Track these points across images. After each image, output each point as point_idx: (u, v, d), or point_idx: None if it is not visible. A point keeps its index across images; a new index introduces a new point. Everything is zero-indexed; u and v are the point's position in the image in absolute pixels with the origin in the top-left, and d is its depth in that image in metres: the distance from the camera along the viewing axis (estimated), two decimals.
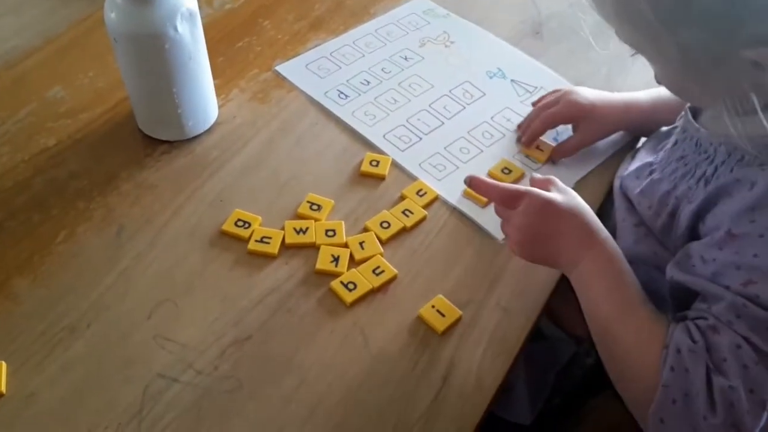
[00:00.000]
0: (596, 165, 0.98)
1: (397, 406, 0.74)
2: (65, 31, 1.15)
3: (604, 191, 0.95)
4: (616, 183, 0.89)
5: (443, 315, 0.80)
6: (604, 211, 0.91)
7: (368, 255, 0.86)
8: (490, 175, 0.96)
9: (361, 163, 0.97)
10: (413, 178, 0.96)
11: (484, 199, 0.91)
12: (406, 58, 1.14)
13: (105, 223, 0.89)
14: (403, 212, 0.90)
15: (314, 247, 0.87)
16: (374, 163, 0.96)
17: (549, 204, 0.76)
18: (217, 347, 0.77)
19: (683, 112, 0.82)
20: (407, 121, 1.03)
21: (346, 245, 0.87)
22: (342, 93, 1.07)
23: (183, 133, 0.98)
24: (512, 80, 1.11)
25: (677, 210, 0.77)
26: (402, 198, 0.93)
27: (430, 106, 1.06)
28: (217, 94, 1.02)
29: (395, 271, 0.84)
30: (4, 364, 0.74)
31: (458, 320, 0.81)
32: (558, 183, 0.80)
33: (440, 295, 0.82)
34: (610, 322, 0.73)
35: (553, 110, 0.98)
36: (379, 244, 0.87)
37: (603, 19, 0.71)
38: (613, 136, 1.00)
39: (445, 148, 1.00)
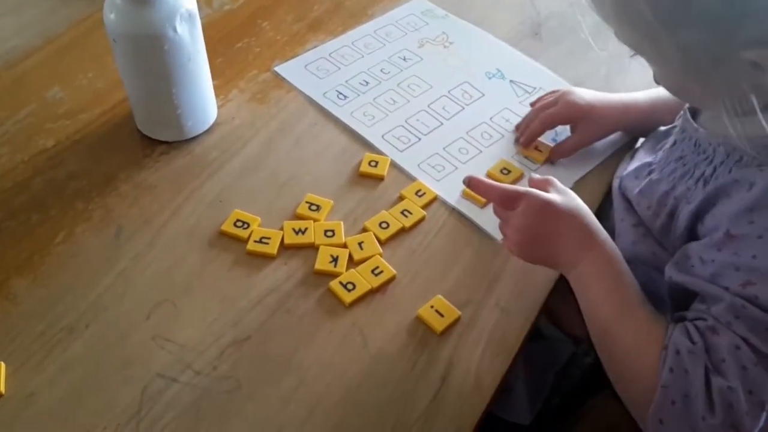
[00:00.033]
0: (595, 165, 0.98)
1: (396, 406, 0.74)
2: (65, 32, 1.15)
3: (602, 192, 0.95)
4: (615, 183, 0.89)
5: (442, 315, 0.81)
6: (602, 211, 0.91)
7: (367, 255, 0.86)
8: (489, 175, 0.96)
9: (360, 163, 0.97)
10: (412, 179, 0.96)
11: (483, 200, 0.91)
12: (404, 59, 1.14)
13: (104, 224, 0.89)
14: (402, 212, 0.91)
15: (313, 248, 0.87)
16: (373, 163, 0.96)
17: (548, 205, 0.76)
18: (216, 347, 0.78)
19: (682, 112, 0.82)
20: (406, 121, 1.04)
21: (345, 245, 0.87)
22: (341, 94, 1.07)
23: (182, 134, 0.98)
24: (511, 81, 1.11)
25: (676, 210, 0.77)
26: (401, 198, 0.93)
27: (428, 106, 1.06)
28: (216, 95, 1.02)
29: (394, 271, 0.84)
30: (3, 364, 0.74)
31: (457, 320, 0.81)
32: (557, 184, 0.80)
33: (439, 296, 0.82)
34: (609, 323, 0.73)
35: (551, 111, 0.98)
36: (378, 244, 0.87)
37: (602, 20, 0.71)
38: (612, 137, 1.00)
39: (444, 148, 1.00)
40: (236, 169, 0.96)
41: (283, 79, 1.09)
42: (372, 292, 0.83)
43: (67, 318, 0.79)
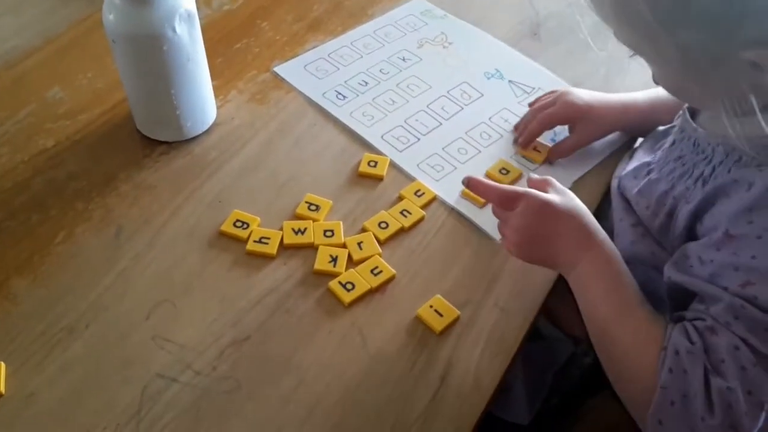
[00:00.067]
0: (593, 165, 0.98)
1: (395, 406, 0.74)
2: (65, 32, 1.15)
3: (601, 192, 0.95)
4: (614, 183, 0.89)
5: (441, 315, 0.81)
6: (601, 211, 0.91)
7: (366, 255, 0.86)
8: (488, 175, 0.96)
9: (359, 163, 0.97)
10: (411, 179, 0.96)
11: (482, 200, 0.91)
12: (404, 59, 1.14)
13: (103, 224, 0.89)
14: (401, 212, 0.91)
15: (312, 248, 0.87)
16: (372, 163, 0.96)
17: (547, 205, 0.76)
18: (216, 348, 0.78)
19: (681, 112, 0.82)
20: (405, 121, 1.04)
21: (344, 245, 0.87)
22: (340, 94, 1.07)
23: (181, 134, 0.98)
24: (510, 81, 1.11)
25: (675, 210, 0.77)
26: (400, 198, 0.93)
27: (428, 106, 1.06)
28: (216, 95, 1.02)
29: (393, 271, 0.85)
30: (3, 364, 0.74)
31: (456, 320, 0.81)
32: (555, 184, 0.80)
33: (438, 295, 0.82)
34: (608, 324, 0.73)
35: (549, 111, 0.98)
36: (377, 244, 0.87)
37: (602, 20, 0.71)
38: (610, 136, 1.00)
39: (443, 148, 1.00)
40: (236, 170, 0.96)
41: (283, 79, 1.09)
42: (371, 292, 0.83)
43: (67, 318, 0.79)
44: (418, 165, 0.97)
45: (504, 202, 0.80)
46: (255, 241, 0.86)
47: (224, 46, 1.14)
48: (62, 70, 1.09)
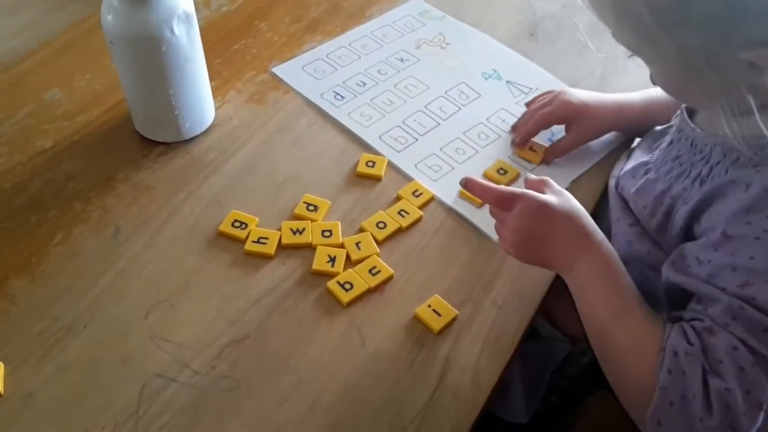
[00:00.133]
0: (591, 165, 0.98)
1: (394, 405, 0.74)
2: (63, 33, 1.15)
3: (598, 192, 0.95)
4: (612, 183, 0.90)
5: (439, 314, 0.81)
6: (598, 211, 0.91)
7: (364, 255, 0.86)
8: (486, 175, 0.96)
9: (357, 164, 0.97)
10: (409, 179, 0.96)
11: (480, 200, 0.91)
12: (402, 60, 1.14)
13: (102, 224, 0.89)
14: (399, 213, 0.91)
15: (311, 248, 0.87)
16: (370, 163, 0.97)
17: (544, 206, 0.76)
18: (215, 347, 0.78)
19: (679, 112, 0.82)
20: (403, 122, 1.04)
21: (342, 245, 0.87)
22: (338, 94, 1.07)
23: (180, 135, 0.98)
24: (507, 81, 1.11)
25: (672, 210, 0.77)
26: (398, 198, 0.93)
27: (425, 107, 1.06)
28: (214, 96, 1.02)
29: (391, 271, 0.85)
30: (1, 364, 0.74)
31: (454, 320, 0.81)
32: (553, 184, 0.80)
33: (436, 295, 0.83)
34: (606, 325, 0.73)
35: (546, 110, 0.98)
36: (375, 244, 0.87)
37: (600, 21, 0.72)
38: (608, 136, 1.00)
39: (440, 148, 1.00)
40: (234, 170, 0.96)
41: (281, 80, 1.10)
42: (369, 292, 0.83)
43: (66, 318, 0.79)
44: (416, 165, 0.98)
45: (501, 203, 0.80)
46: (253, 241, 0.86)
47: (222, 46, 1.14)
48: (60, 71, 1.09)
